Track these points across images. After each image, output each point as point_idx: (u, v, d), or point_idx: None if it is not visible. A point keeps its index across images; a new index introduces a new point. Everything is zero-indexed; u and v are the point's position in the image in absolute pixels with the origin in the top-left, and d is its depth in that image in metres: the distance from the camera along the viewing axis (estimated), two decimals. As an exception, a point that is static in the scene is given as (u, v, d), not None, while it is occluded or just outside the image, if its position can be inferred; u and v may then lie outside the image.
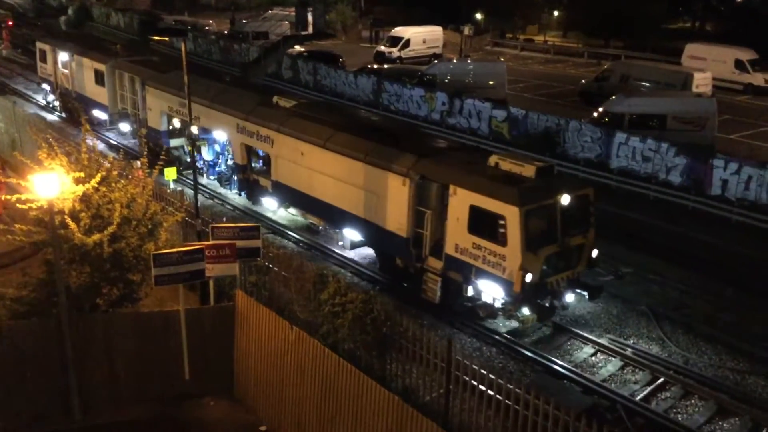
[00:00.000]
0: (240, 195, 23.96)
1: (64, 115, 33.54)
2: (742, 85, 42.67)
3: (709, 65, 41.44)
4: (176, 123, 25.98)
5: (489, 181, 15.52)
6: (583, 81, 41.64)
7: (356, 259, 19.73)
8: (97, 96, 30.49)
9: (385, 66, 44.59)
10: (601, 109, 30.17)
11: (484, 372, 11.91)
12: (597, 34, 61.36)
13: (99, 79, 30.02)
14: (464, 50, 54.68)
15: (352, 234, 19.18)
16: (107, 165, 14.32)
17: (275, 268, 15.62)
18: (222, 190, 24.82)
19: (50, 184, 12.09)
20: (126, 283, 13.95)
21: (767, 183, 22.66)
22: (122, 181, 14.37)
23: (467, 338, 16.04)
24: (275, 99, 22.16)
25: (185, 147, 25.76)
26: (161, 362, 13.80)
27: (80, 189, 13.51)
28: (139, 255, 13.88)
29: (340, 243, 20.11)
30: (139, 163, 15.59)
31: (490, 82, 37.38)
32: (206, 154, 25.43)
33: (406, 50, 52.62)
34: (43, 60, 35.15)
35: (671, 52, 48.11)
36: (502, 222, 14.91)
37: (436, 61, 43.97)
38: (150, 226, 14.23)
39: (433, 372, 12.56)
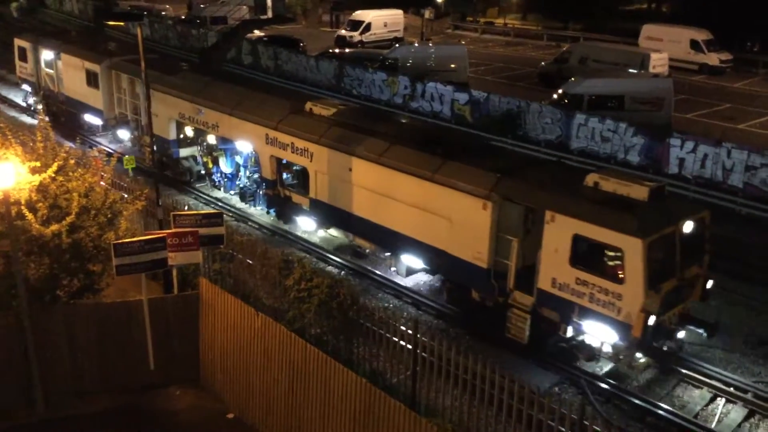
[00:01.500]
0: (268, 213, 21.37)
1: (47, 119, 31.24)
2: (698, 65, 43.50)
3: (665, 46, 42.12)
4: (188, 131, 23.67)
5: (597, 206, 13.32)
6: (542, 63, 41.96)
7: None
8: (90, 99, 27.43)
9: (347, 50, 44.34)
10: (560, 91, 30.48)
11: (450, 352, 12.07)
12: (556, 16, 61.87)
13: (92, 80, 26.96)
14: (425, 34, 54.69)
15: (412, 261, 16.95)
16: (64, 154, 14.03)
17: (239, 255, 15.54)
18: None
19: (5, 174, 11.79)
20: (86, 274, 13.73)
21: (722, 161, 23.21)
22: (80, 170, 14.10)
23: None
24: (309, 106, 19.58)
25: (200, 157, 23.64)
26: (125, 353, 13.65)
27: (36, 179, 13.22)
28: (99, 245, 13.67)
29: (393, 269, 17.83)
30: (96, 151, 15.30)
31: (452, 66, 37.45)
32: (225, 166, 22.77)
33: (367, 34, 52.38)
34: (23, 59, 31.56)
35: (629, 34, 48.74)
36: (617, 255, 12.88)
37: (397, 45, 43.86)
38: (109, 215, 14.01)
39: (400, 354, 12.67)
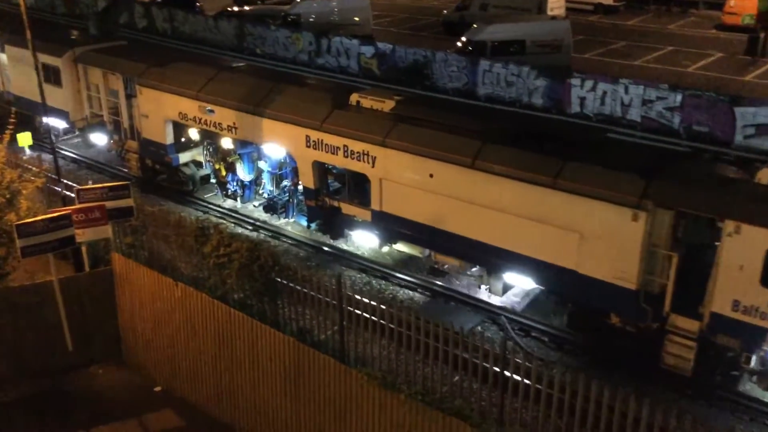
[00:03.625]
0: (309, 227, 18.22)
1: None
2: (593, 4, 44.62)
3: (561, -13, 42.92)
4: (192, 133, 20.18)
5: None
6: (445, 12, 42.06)
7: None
8: (49, 99, 21.82)
9: (247, 8, 43.02)
10: (464, 39, 30.71)
11: (375, 304, 12.22)
12: (455, -37, 61.82)
13: (52, 76, 22.75)
14: (326, -13, 53.52)
15: (517, 280, 14.75)
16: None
17: (152, 227, 15.09)
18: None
19: None
20: (-11, 259, 13.07)
21: (620, 97, 24.12)
22: (-31, 151, 13.26)
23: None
24: (355, 98, 16.59)
25: (208, 163, 20.21)
26: (41, 336, 13.19)
27: None
28: (0, 227, 12.98)
29: (484, 287, 15.53)
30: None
31: (356, 19, 37.03)
32: (243, 173, 19.51)
33: (266, -10, 50.89)
34: None
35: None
36: None
37: (298, 0, 42.90)
38: (8, 196, 13.31)
39: (326, 310, 12.74)
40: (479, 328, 14.47)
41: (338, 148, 15.87)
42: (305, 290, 12.84)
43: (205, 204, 20.39)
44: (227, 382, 12.32)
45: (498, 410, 10.49)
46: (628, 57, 33.31)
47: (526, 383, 10.15)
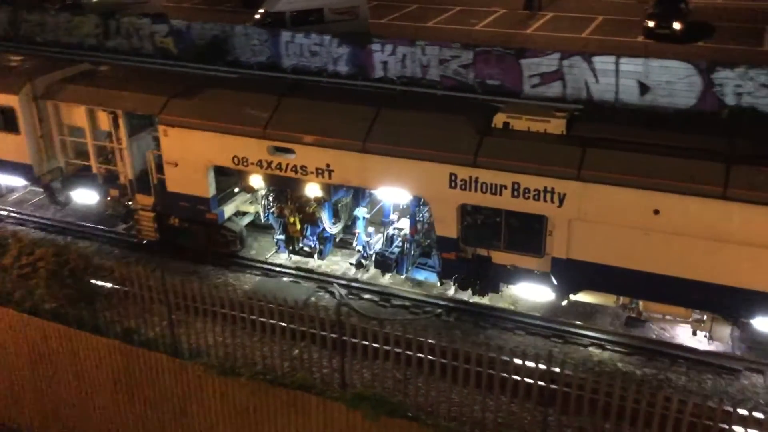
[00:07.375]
0: (441, 284, 14.81)
1: None
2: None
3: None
4: (254, 181, 15.06)
5: None
6: (239, -16, 41.04)
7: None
8: (1, 151, 17.42)
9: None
10: (262, 11, 30.27)
11: (204, 291, 11.90)
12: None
13: (2, 121, 16.92)
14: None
15: None
16: None
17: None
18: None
19: None
20: None
21: (419, 58, 25.14)
22: None
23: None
24: (502, 119, 13.08)
25: (270, 215, 15.68)
26: None
27: None
28: None
29: (702, 334, 13.02)
30: None
31: (143, -4, 35.07)
32: (329, 224, 15.40)
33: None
34: None
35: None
36: None
37: (76, -20, 39.71)
38: None
39: (151, 306, 12.20)
40: (313, 298, 14.60)
41: (503, 186, 12.75)
42: (126, 288, 12.20)
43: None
44: (52, 399, 11.47)
45: (340, 374, 10.73)
46: (421, 19, 34.64)
47: (363, 343, 10.46)
